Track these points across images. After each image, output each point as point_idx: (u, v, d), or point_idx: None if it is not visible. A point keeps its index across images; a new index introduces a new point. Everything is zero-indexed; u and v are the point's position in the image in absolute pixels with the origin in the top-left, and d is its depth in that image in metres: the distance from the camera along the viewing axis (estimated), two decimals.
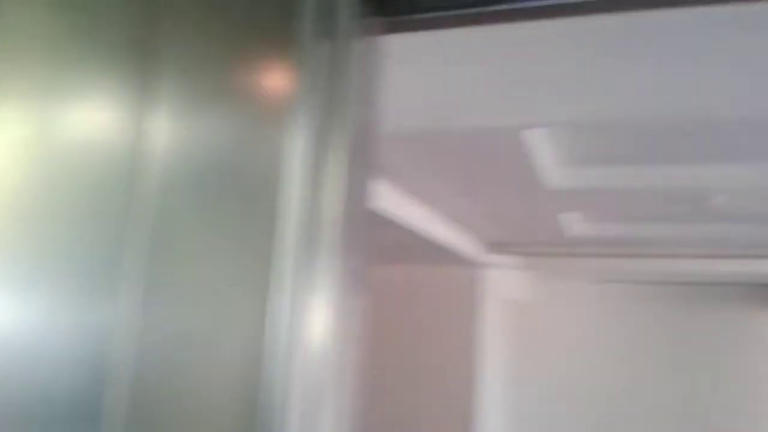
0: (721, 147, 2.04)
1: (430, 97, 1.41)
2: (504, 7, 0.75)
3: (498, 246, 3.84)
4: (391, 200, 2.41)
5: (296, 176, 0.64)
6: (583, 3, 0.90)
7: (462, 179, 2.31)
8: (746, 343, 4.43)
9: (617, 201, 2.59)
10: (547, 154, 2.16)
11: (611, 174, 2.20)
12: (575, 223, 3.19)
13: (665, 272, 3.96)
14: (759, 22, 1.21)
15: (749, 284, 4.43)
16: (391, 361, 4.03)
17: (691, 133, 1.99)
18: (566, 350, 4.68)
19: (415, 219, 2.69)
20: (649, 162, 2.15)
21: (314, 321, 0.70)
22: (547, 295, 4.71)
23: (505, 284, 4.21)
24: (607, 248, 3.66)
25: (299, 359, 0.68)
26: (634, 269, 3.83)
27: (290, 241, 0.66)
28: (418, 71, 1.32)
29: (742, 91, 1.46)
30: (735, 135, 1.97)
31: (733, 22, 1.23)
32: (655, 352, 4.55)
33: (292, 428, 0.64)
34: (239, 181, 0.64)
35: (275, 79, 0.62)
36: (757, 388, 4.36)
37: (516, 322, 4.70)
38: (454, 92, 1.37)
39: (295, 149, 0.63)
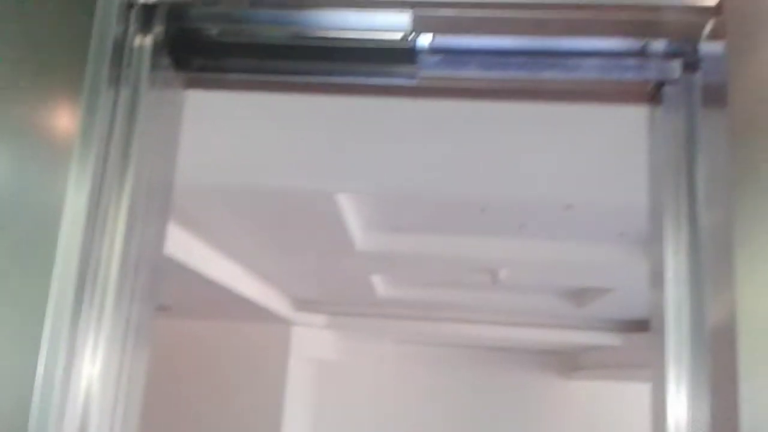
0: (508, 224, 2.28)
1: (240, 154, 1.42)
2: (302, 79, 0.80)
3: (308, 304, 3.88)
4: (199, 255, 2.35)
5: (77, 222, 0.63)
6: (388, 87, 0.98)
7: (273, 237, 2.33)
8: (538, 405, 4.86)
9: (419, 266, 2.76)
10: (357, 218, 2.26)
11: (414, 241, 2.36)
12: (383, 285, 3.33)
13: (463, 336, 4.24)
14: (550, 121, 1.38)
15: (542, 351, 4.88)
16: (197, 418, 3.87)
17: (484, 209, 2.21)
18: (368, 408, 4.79)
19: (224, 275, 2.65)
20: (447, 233, 2.34)
21: (90, 373, 0.68)
22: (352, 354, 4.81)
23: (313, 342, 4.24)
24: (410, 310, 3.84)
25: (73, 412, 0.65)
26: (435, 331, 4.06)
27: (67, 289, 0.64)
28: (231, 128, 1.34)
29: (528, 176, 1.66)
30: (519, 214, 2.22)
31: (527, 118, 1.40)
32: (454, 411, 4.81)
33: None
34: (11, 225, 0.61)
35: (59, 122, 0.61)
36: None
37: (322, 379, 4.73)
38: (264, 152, 1.40)
39: (78, 194, 0.62)
